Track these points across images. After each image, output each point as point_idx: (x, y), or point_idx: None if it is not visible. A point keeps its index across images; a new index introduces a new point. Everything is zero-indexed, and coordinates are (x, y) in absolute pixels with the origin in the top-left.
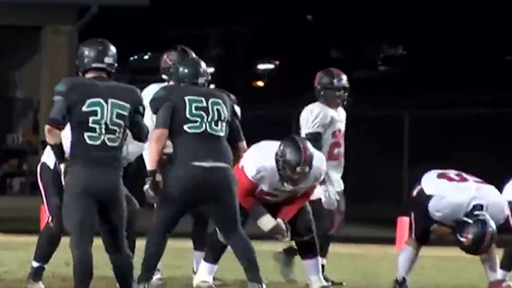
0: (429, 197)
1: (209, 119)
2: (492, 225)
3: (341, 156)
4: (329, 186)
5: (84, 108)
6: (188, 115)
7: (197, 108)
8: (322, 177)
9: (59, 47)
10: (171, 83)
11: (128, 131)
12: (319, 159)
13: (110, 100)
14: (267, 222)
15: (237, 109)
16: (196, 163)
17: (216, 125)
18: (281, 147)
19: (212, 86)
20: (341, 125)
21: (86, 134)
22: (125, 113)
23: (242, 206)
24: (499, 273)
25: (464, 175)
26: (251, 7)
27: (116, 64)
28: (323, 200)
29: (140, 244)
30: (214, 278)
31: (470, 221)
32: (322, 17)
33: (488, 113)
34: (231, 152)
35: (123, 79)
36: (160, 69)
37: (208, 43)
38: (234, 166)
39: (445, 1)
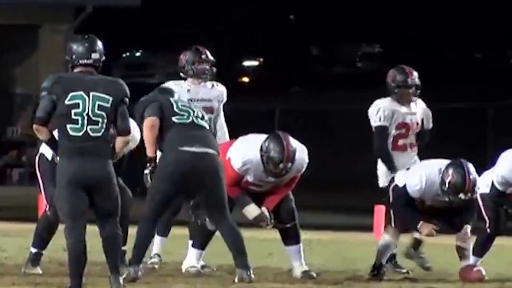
0: (404, 186)
1: (195, 115)
2: (470, 166)
3: (409, 146)
4: (393, 174)
5: (67, 101)
6: (176, 110)
7: (183, 105)
8: (304, 169)
9: (56, 45)
10: (188, 80)
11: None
12: (302, 151)
13: (91, 93)
14: (252, 210)
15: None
16: (185, 148)
17: (202, 119)
18: (266, 143)
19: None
20: (410, 118)
21: (68, 126)
22: (107, 105)
23: (228, 195)
24: (472, 260)
25: None
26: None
27: (103, 58)
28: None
29: (132, 231)
30: (203, 267)
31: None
32: (303, 17)
33: (461, 107)
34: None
35: (116, 74)
36: (178, 68)
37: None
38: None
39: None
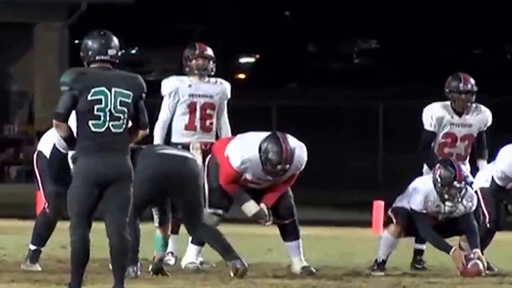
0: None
1: None
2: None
3: (455, 155)
4: None
5: (89, 97)
6: None
7: None
8: (303, 166)
9: (51, 42)
10: (191, 77)
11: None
12: (300, 148)
13: (113, 89)
14: (250, 207)
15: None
16: (166, 151)
17: None
18: (265, 144)
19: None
20: (459, 129)
21: (90, 122)
22: (129, 101)
23: (227, 191)
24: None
25: None
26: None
27: (119, 54)
28: None
29: None
30: (202, 263)
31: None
32: (299, 13)
33: None
34: None
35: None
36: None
37: (193, 38)
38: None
39: None
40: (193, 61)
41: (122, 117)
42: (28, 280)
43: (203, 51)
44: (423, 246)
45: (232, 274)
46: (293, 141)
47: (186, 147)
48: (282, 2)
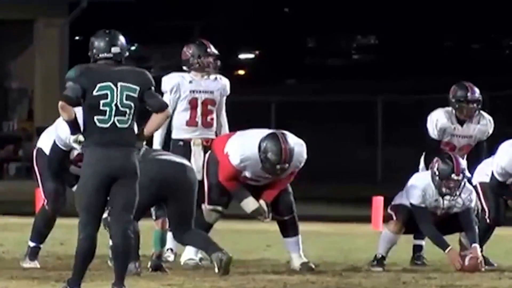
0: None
1: None
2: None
3: None
4: None
5: (95, 92)
6: None
7: None
8: (302, 164)
9: (51, 39)
10: (192, 73)
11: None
12: (300, 146)
13: (119, 84)
14: (250, 204)
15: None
16: (164, 157)
17: None
18: (264, 144)
19: None
20: (459, 140)
21: (96, 118)
22: (135, 95)
23: (226, 188)
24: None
25: None
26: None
27: (125, 53)
28: None
29: None
30: (201, 259)
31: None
32: (298, 10)
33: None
34: None
35: None
36: (182, 61)
37: (192, 34)
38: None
39: None
40: (204, 59)
41: (128, 112)
42: (27, 277)
43: (211, 48)
44: (422, 242)
45: (216, 269)
46: (292, 140)
47: (187, 143)
48: None
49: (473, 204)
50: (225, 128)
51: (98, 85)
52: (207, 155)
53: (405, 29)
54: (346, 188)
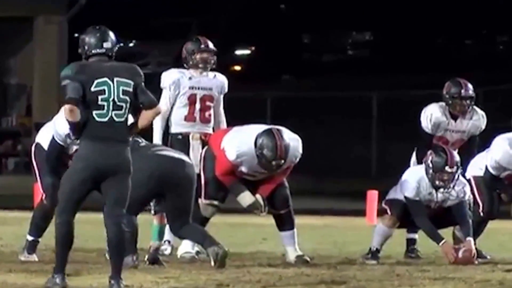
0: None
1: None
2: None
3: None
4: None
5: (93, 88)
6: None
7: None
8: (298, 159)
9: (50, 36)
10: (191, 70)
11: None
12: (295, 142)
13: (115, 79)
14: (246, 198)
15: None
16: (164, 153)
17: None
18: (260, 140)
19: None
20: (452, 134)
21: (94, 113)
22: (130, 89)
23: (223, 182)
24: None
25: None
26: None
27: (116, 48)
28: None
29: None
30: (197, 252)
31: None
32: (294, 6)
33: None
34: None
35: None
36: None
37: (190, 31)
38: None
39: None
40: (198, 55)
41: (124, 106)
42: (25, 270)
43: (207, 45)
44: (415, 236)
45: (212, 263)
46: (288, 135)
47: (185, 137)
48: None
49: (466, 197)
50: (223, 126)
51: (96, 81)
52: (204, 150)
53: (399, 25)
54: (341, 182)
